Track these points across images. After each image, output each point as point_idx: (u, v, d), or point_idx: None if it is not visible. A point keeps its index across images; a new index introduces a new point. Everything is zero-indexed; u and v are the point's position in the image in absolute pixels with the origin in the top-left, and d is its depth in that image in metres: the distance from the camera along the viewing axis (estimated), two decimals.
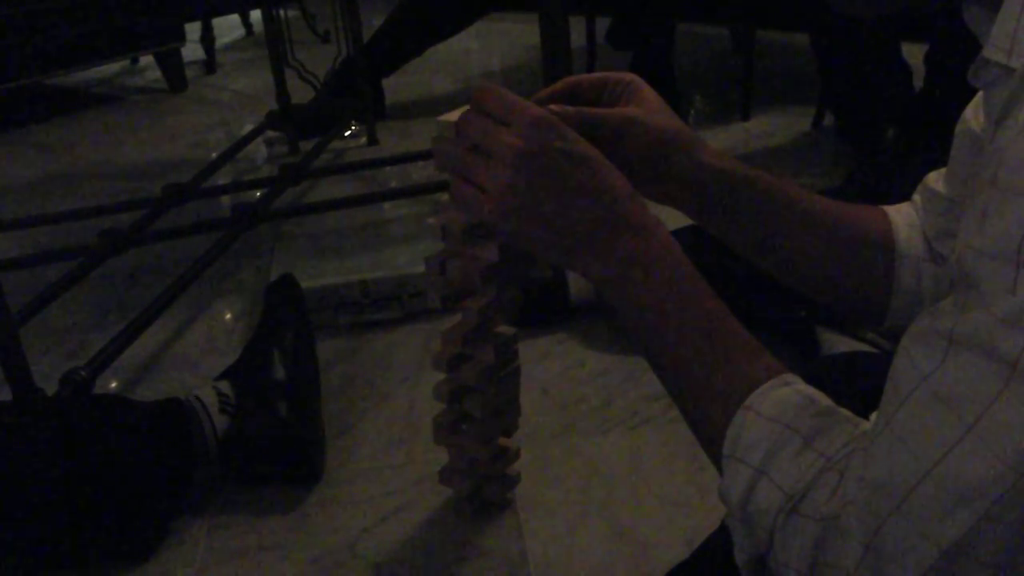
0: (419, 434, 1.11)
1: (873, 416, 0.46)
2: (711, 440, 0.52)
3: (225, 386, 1.07)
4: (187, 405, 1.03)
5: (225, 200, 1.90)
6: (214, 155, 2.03)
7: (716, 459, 0.52)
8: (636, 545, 0.91)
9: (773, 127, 2.16)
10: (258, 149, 2.22)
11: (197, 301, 1.46)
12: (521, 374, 0.95)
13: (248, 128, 2.16)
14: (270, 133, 2.22)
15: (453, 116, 0.82)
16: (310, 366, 1.15)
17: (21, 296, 1.25)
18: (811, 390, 0.51)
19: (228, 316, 1.46)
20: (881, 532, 0.41)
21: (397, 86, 2.52)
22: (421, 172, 1.93)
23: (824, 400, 0.50)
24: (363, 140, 2.26)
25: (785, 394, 0.50)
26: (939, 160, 0.68)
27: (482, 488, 0.98)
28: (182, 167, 2.12)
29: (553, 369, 1.23)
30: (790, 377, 0.52)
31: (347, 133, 2.29)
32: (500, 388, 0.92)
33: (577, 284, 1.34)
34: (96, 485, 0.93)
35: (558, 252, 0.59)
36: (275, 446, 1.04)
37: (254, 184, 1.84)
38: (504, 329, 0.92)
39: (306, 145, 2.16)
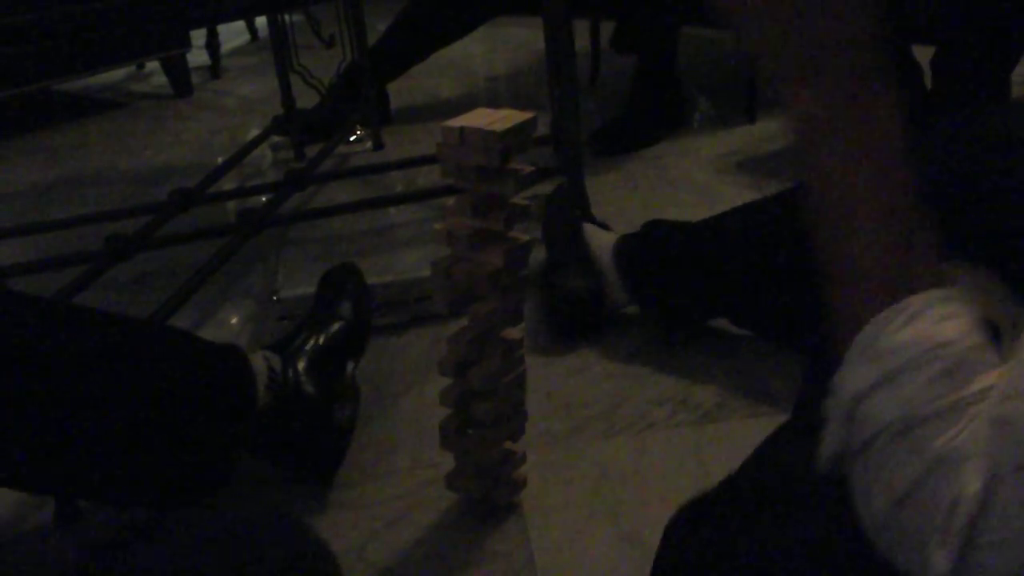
0: (426, 438, 1.11)
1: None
2: (847, 318, 0.47)
3: (275, 360, 1.05)
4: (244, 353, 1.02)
5: (231, 205, 1.90)
6: (220, 160, 2.04)
7: (839, 338, 0.48)
8: (642, 549, 0.91)
9: (779, 129, 2.15)
10: (264, 154, 2.23)
11: (204, 306, 1.47)
12: (527, 378, 0.95)
13: (254, 133, 2.16)
14: (275, 138, 2.23)
15: (459, 121, 0.83)
16: (353, 360, 1.16)
17: None
18: (972, 316, 0.46)
19: (235, 320, 1.46)
20: (1002, 482, 0.39)
21: (402, 91, 2.52)
22: (427, 177, 1.93)
23: (980, 335, 0.46)
24: (368, 145, 2.27)
25: (945, 312, 0.45)
26: None
27: (489, 492, 0.98)
28: (188, 172, 2.13)
29: (559, 373, 1.23)
30: (957, 293, 0.47)
31: (352, 138, 2.29)
32: (506, 393, 0.93)
33: (611, 296, 1.31)
34: (165, 415, 0.91)
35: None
36: (307, 439, 1.03)
37: (260, 189, 1.84)
38: (510, 333, 0.92)
39: (311, 150, 2.16)
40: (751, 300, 1.19)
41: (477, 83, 2.72)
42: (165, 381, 0.91)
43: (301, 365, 1.06)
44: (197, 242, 1.55)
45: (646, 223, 1.31)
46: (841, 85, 0.48)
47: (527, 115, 0.84)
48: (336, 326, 1.14)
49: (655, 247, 1.27)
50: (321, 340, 1.11)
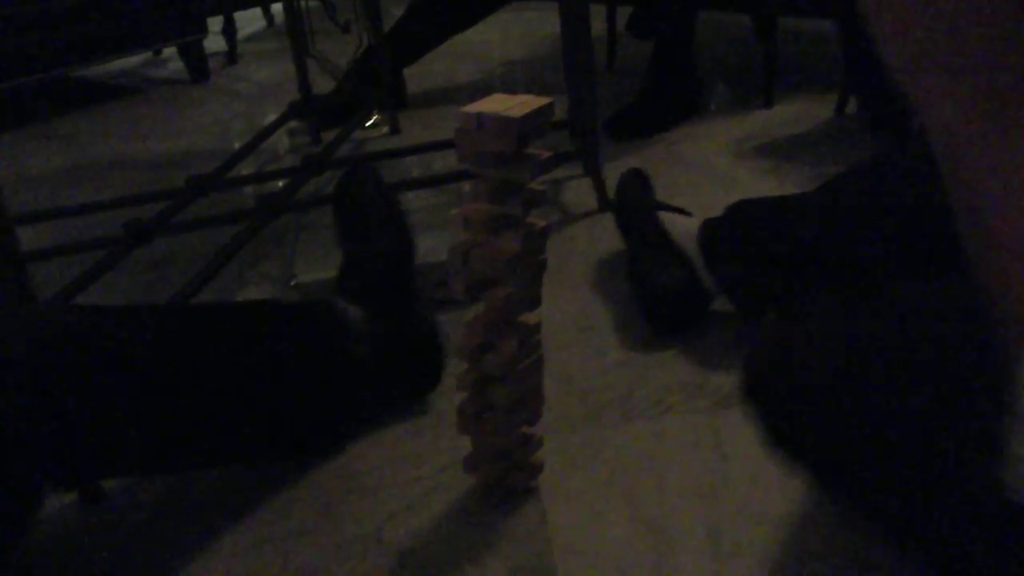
0: (443, 421, 1.11)
1: None
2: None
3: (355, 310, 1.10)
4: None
5: (248, 191, 1.91)
6: (237, 145, 2.05)
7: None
8: (659, 534, 0.91)
9: (796, 114, 2.14)
10: (280, 139, 2.24)
11: (222, 292, 1.47)
12: (544, 363, 0.95)
13: (270, 119, 2.17)
14: (292, 123, 2.23)
15: (476, 107, 0.83)
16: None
17: (46, 288, 1.27)
18: None
19: None
20: None
21: (419, 75, 2.52)
22: (443, 162, 1.93)
23: None
24: (385, 130, 2.27)
25: None
26: None
27: (506, 476, 0.98)
28: (205, 157, 2.14)
29: (576, 358, 1.24)
30: None
31: (369, 123, 2.30)
32: (523, 378, 0.93)
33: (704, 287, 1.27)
34: (292, 377, 0.99)
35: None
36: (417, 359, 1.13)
37: (277, 175, 1.85)
38: (527, 318, 0.92)
39: (328, 135, 2.17)
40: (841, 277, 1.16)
41: (493, 68, 2.72)
42: (284, 346, 0.99)
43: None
44: (214, 227, 1.56)
45: (730, 206, 1.28)
46: (988, 93, 0.44)
47: (544, 100, 0.84)
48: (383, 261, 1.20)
49: (744, 228, 1.23)
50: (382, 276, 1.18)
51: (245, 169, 1.96)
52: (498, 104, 0.83)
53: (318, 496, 1.02)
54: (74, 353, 0.83)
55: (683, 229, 1.30)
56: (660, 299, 1.27)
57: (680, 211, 1.38)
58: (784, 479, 0.96)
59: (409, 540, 0.95)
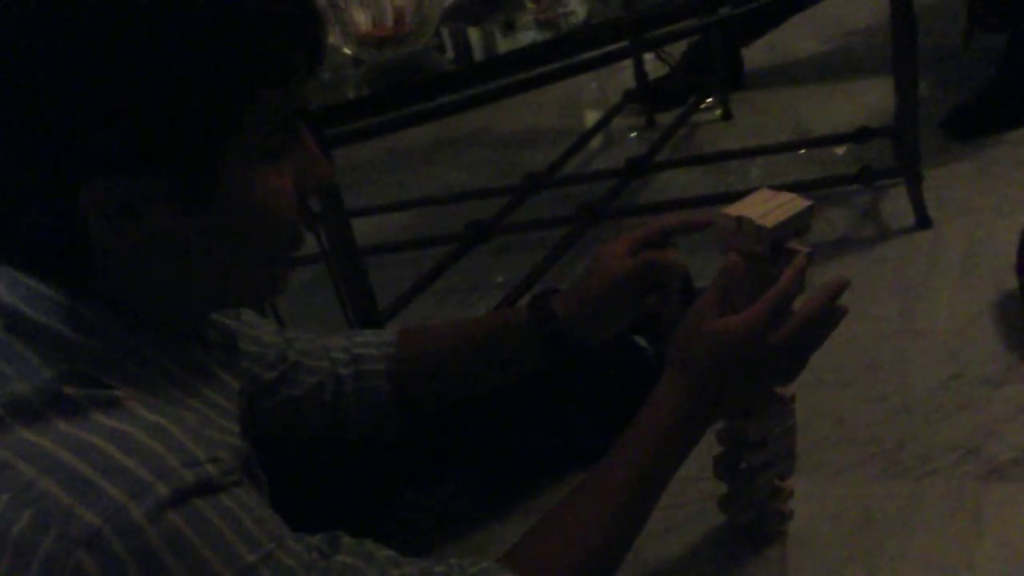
0: (710, 451, 1.22)
1: None
2: None
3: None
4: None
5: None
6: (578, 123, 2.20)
7: None
8: None
9: None
10: (619, 123, 2.37)
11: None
12: (796, 430, 1.02)
13: (611, 99, 2.30)
14: (630, 106, 2.36)
15: (737, 209, 0.91)
16: None
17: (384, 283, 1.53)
18: None
19: None
20: None
21: (757, 49, 2.51)
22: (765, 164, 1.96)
23: None
24: (717, 113, 2.33)
25: None
26: None
27: (756, 521, 1.08)
28: (552, 138, 2.34)
29: (852, 400, 1.27)
30: None
31: (703, 106, 2.36)
32: (776, 442, 1.01)
33: None
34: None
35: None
36: None
37: (604, 175, 1.98)
38: (784, 391, 1.00)
39: (664, 118, 2.28)
40: None
41: (835, 40, 2.62)
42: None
43: None
44: (542, 230, 1.76)
45: None
46: None
47: (805, 204, 0.89)
48: None
49: None
50: None
51: (580, 158, 2.13)
52: (761, 204, 0.90)
53: None
54: None
55: None
56: None
57: None
58: None
59: (662, 561, 1.09)
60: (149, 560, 0.50)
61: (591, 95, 2.66)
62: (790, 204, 0.90)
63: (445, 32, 1.33)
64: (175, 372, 0.62)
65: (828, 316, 0.83)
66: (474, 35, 1.36)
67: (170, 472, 0.52)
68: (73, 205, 0.52)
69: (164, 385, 0.60)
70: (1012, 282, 1.36)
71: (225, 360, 0.70)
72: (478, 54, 1.32)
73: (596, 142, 2.31)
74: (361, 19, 1.20)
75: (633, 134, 2.35)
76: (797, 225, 0.89)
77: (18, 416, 0.52)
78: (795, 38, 2.65)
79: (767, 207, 0.90)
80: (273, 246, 0.62)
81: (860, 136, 1.82)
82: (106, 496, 0.50)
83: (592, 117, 2.49)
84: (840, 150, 1.98)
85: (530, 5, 1.34)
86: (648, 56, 2.44)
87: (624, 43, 1.30)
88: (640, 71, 2.26)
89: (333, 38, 1.21)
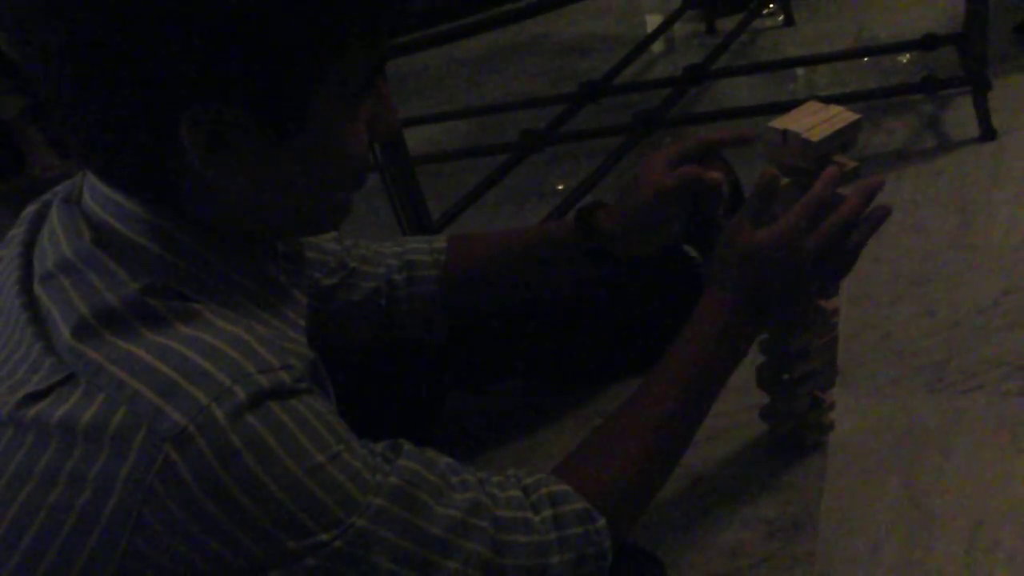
0: (754, 362, 1.24)
1: None
2: None
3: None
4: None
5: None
6: (646, 29, 2.17)
7: None
8: (923, 514, 0.99)
9: None
10: (680, 29, 2.33)
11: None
12: (838, 343, 1.04)
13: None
14: (691, 11, 2.31)
15: (784, 122, 0.91)
16: None
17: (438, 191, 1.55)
18: None
19: None
20: None
21: None
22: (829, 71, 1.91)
23: None
24: (780, 19, 2.27)
25: None
26: None
27: (797, 430, 1.10)
28: (610, 44, 2.31)
29: (902, 315, 1.28)
30: None
31: (764, 12, 2.30)
32: (818, 354, 1.03)
33: None
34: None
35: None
36: None
37: (661, 84, 1.96)
38: (828, 304, 1.01)
39: (724, 24, 2.23)
40: None
41: None
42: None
43: None
44: (597, 139, 1.75)
45: None
46: None
47: (853, 117, 0.89)
48: None
49: None
50: None
51: (637, 66, 2.11)
52: (808, 118, 0.90)
53: None
54: None
55: None
56: None
57: None
58: None
59: (705, 468, 1.12)
60: (230, 458, 0.54)
61: (651, 1, 2.61)
62: (838, 117, 0.89)
63: None
64: (251, 288, 0.66)
65: (864, 217, 0.83)
66: None
67: (247, 376, 0.56)
68: (172, 130, 0.56)
69: (241, 300, 0.65)
70: None
71: (292, 271, 0.75)
72: None
73: (657, 48, 2.27)
74: None
75: (695, 40, 2.31)
76: (843, 139, 0.89)
77: (108, 325, 0.57)
78: None
79: (814, 120, 0.89)
80: (343, 182, 0.66)
81: (926, 43, 1.77)
82: (191, 398, 0.54)
83: (653, 23, 2.45)
84: (904, 58, 1.93)
85: None
86: None
87: None
88: None
89: None
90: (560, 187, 1.78)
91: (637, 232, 0.95)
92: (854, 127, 0.89)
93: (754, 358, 1.03)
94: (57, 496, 0.54)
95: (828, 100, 0.93)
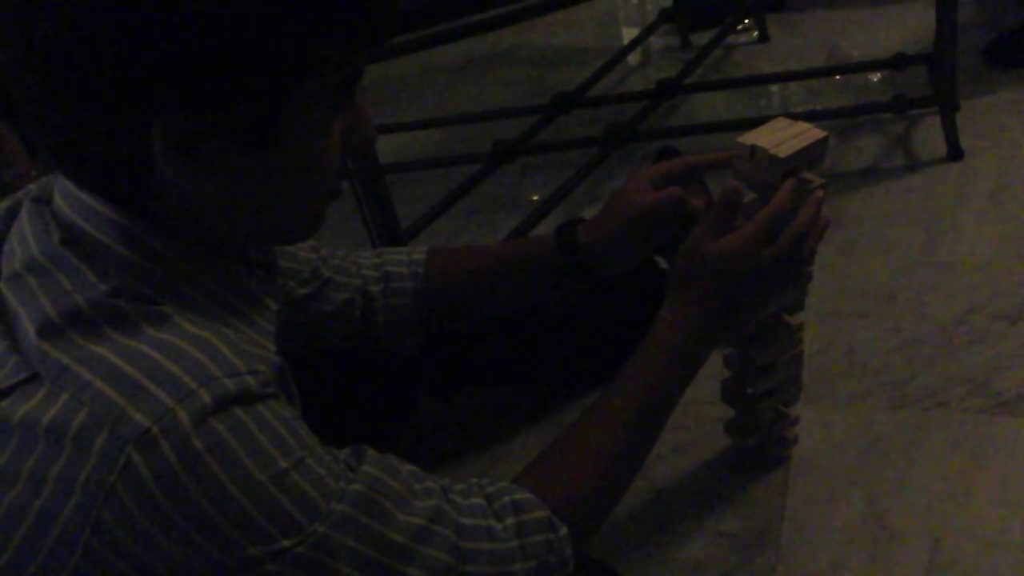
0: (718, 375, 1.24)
1: None
2: None
3: None
4: None
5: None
6: (614, 42, 2.18)
7: None
8: (884, 531, 1.00)
9: None
10: (654, 43, 2.34)
11: (569, 209, 1.67)
12: (803, 358, 1.04)
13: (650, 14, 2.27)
14: (666, 25, 2.32)
15: (751, 137, 0.91)
16: None
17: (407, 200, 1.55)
18: None
19: None
20: None
21: None
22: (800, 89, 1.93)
23: None
24: (754, 35, 2.29)
25: None
26: None
27: (761, 444, 1.11)
28: (586, 55, 2.31)
29: (867, 331, 1.28)
30: None
31: (739, 27, 2.32)
32: (784, 369, 1.03)
33: None
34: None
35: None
36: None
37: (634, 98, 1.97)
38: (793, 319, 1.01)
39: (698, 39, 2.25)
40: None
41: None
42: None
43: None
44: (568, 150, 1.75)
45: None
46: None
47: (820, 134, 0.89)
48: None
49: None
50: None
51: (612, 78, 2.11)
52: (776, 133, 0.90)
53: None
54: None
55: None
56: None
57: None
58: None
59: (668, 480, 1.12)
60: (193, 461, 0.54)
61: (628, 13, 2.62)
62: (805, 134, 0.90)
63: None
64: (221, 293, 0.66)
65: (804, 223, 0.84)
66: None
67: (213, 380, 0.56)
68: (143, 137, 0.56)
69: (210, 304, 0.64)
70: None
71: (264, 278, 0.74)
72: None
73: (632, 60, 2.28)
74: None
75: (670, 54, 2.32)
76: (810, 156, 0.89)
77: (75, 325, 0.56)
78: None
79: (782, 136, 0.90)
80: (316, 193, 0.66)
81: (897, 63, 1.79)
82: (155, 399, 0.54)
83: (629, 36, 2.46)
84: (875, 77, 1.95)
85: None
86: None
87: None
88: None
89: None
90: (535, 198, 1.78)
91: (617, 249, 0.95)
92: (821, 144, 0.90)
93: (719, 372, 1.03)
94: (16, 495, 0.53)
95: (799, 117, 0.94)
